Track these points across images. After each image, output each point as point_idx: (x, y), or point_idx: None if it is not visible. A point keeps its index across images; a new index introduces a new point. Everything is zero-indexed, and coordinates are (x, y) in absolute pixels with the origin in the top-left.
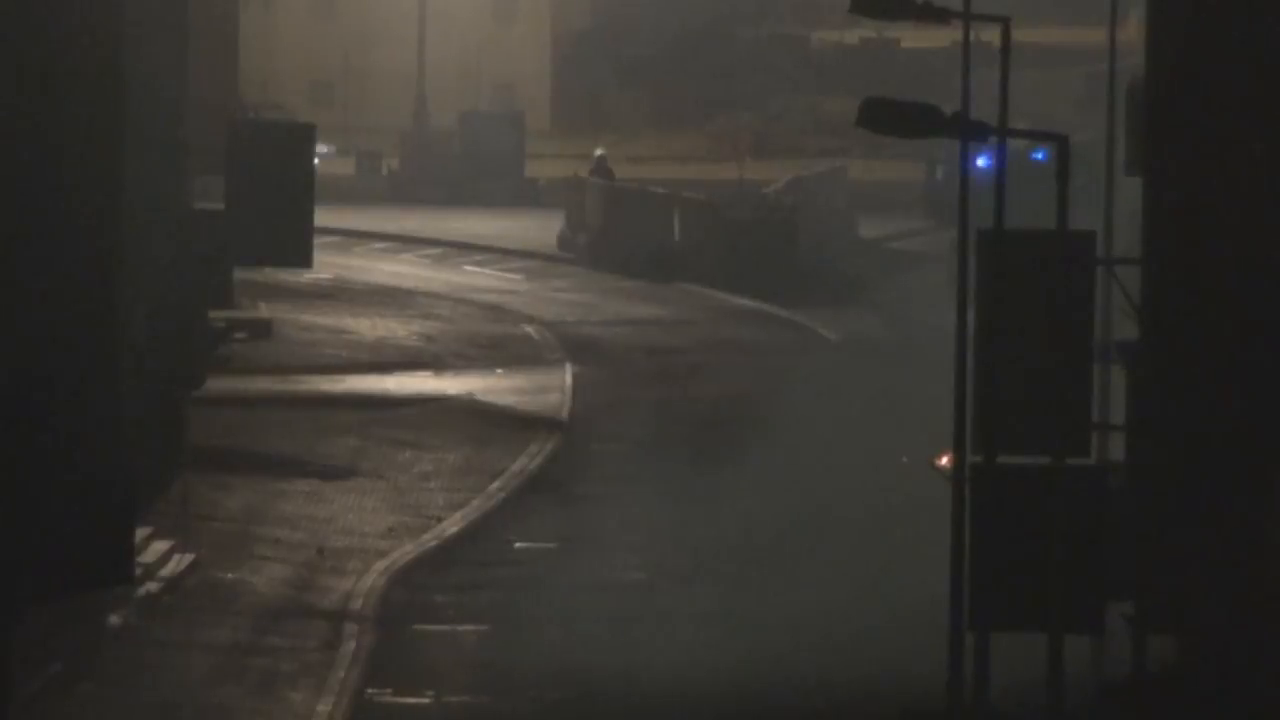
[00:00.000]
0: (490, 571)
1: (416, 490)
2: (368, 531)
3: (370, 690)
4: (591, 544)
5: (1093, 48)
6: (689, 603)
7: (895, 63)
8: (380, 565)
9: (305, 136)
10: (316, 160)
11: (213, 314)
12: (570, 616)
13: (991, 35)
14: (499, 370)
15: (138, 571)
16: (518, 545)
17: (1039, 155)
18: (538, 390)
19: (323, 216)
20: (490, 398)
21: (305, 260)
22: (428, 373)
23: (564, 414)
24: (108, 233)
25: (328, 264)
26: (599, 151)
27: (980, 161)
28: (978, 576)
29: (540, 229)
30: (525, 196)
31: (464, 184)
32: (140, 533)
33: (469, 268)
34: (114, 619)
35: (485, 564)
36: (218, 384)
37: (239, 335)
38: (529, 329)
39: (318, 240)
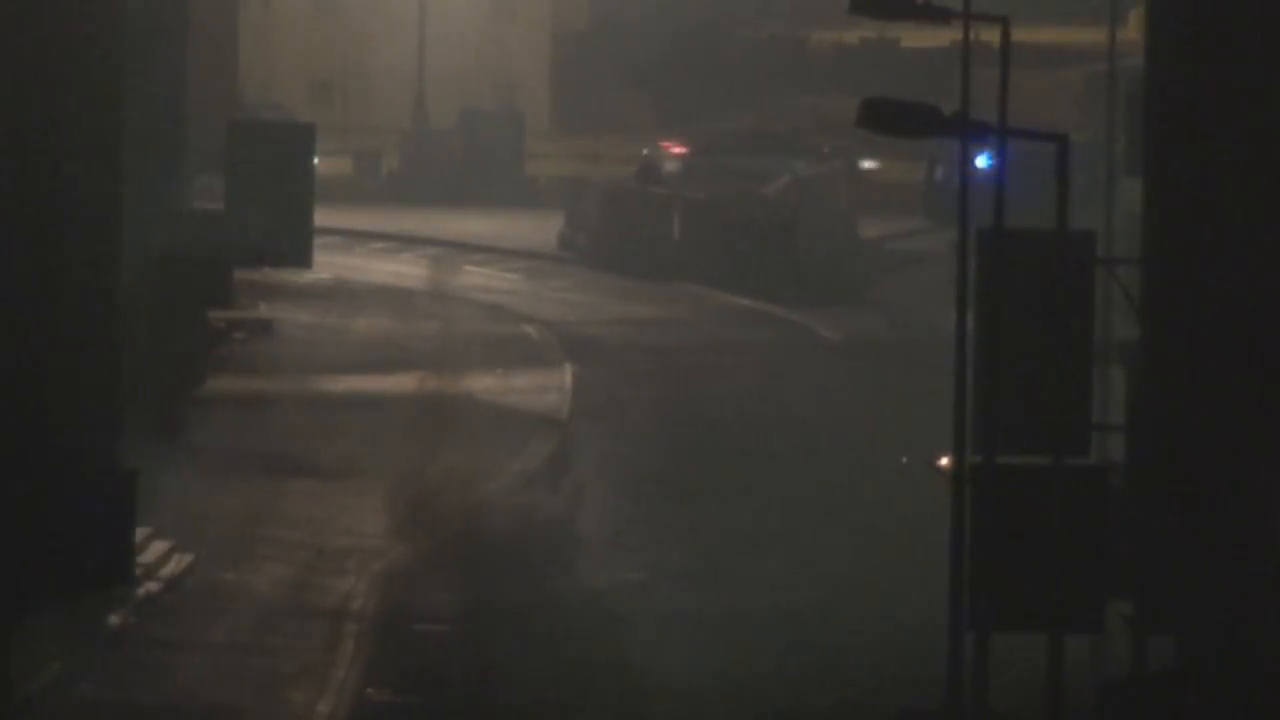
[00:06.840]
0: (490, 571)
1: (416, 490)
2: (367, 531)
3: (370, 690)
4: (591, 544)
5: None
6: (688, 602)
7: (895, 63)
8: (380, 565)
9: (305, 136)
10: (316, 160)
11: (213, 314)
12: (570, 615)
13: (991, 35)
14: (499, 370)
15: (138, 571)
16: (517, 545)
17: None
18: (538, 390)
19: (323, 216)
20: (490, 397)
21: (305, 260)
22: (427, 372)
23: (564, 414)
24: (108, 233)
25: (328, 264)
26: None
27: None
28: (978, 577)
29: (540, 229)
30: (525, 196)
31: (464, 184)
32: (140, 533)
33: (469, 267)
34: (114, 619)
35: (485, 563)
36: (218, 384)
37: (239, 335)
38: (529, 329)
39: (318, 240)
